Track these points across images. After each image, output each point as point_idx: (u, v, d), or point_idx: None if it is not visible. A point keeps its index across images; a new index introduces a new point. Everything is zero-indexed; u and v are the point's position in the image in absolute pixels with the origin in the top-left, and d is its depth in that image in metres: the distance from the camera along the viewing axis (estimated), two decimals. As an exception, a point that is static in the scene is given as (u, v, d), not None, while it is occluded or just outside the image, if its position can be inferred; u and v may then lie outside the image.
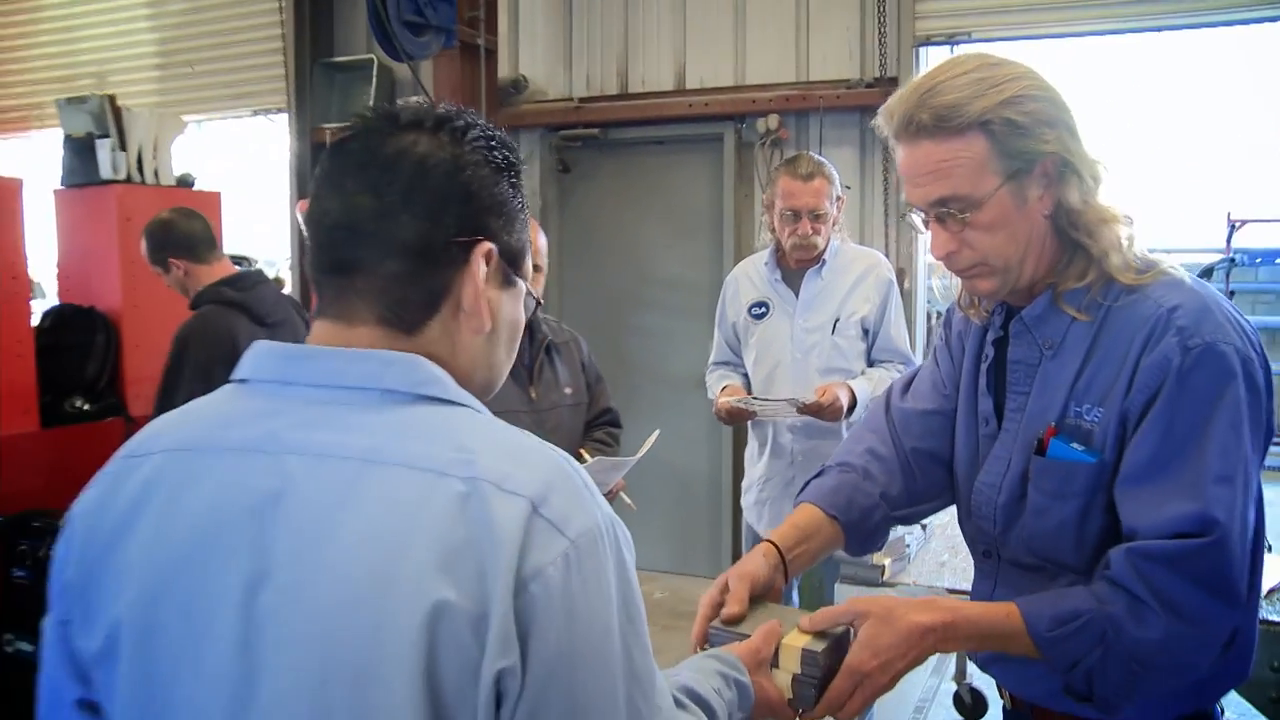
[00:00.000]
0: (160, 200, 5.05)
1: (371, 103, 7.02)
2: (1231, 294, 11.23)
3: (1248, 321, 1.49)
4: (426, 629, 0.91)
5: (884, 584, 2.50)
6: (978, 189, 1.50)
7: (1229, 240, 11.42)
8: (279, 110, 7.50)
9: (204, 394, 1.14)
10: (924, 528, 2.86)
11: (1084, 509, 1.54)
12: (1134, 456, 1.47)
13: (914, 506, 1.86)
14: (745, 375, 3.68)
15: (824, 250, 3.51)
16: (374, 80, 7.02)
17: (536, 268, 2.88)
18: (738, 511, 3.86)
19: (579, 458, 3.05)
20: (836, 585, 2.60)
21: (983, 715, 4.19)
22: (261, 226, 8.13)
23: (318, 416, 1.03)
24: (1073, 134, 1.51)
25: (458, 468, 0.97)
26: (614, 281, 6.67)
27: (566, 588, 0.95)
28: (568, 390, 3.05)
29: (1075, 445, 1.53)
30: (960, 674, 4.55)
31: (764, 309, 3.58)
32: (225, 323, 3.69)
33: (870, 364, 3.57)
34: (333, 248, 1.11)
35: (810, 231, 3.44)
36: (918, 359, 5.73)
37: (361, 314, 1.08)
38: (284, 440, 1.01)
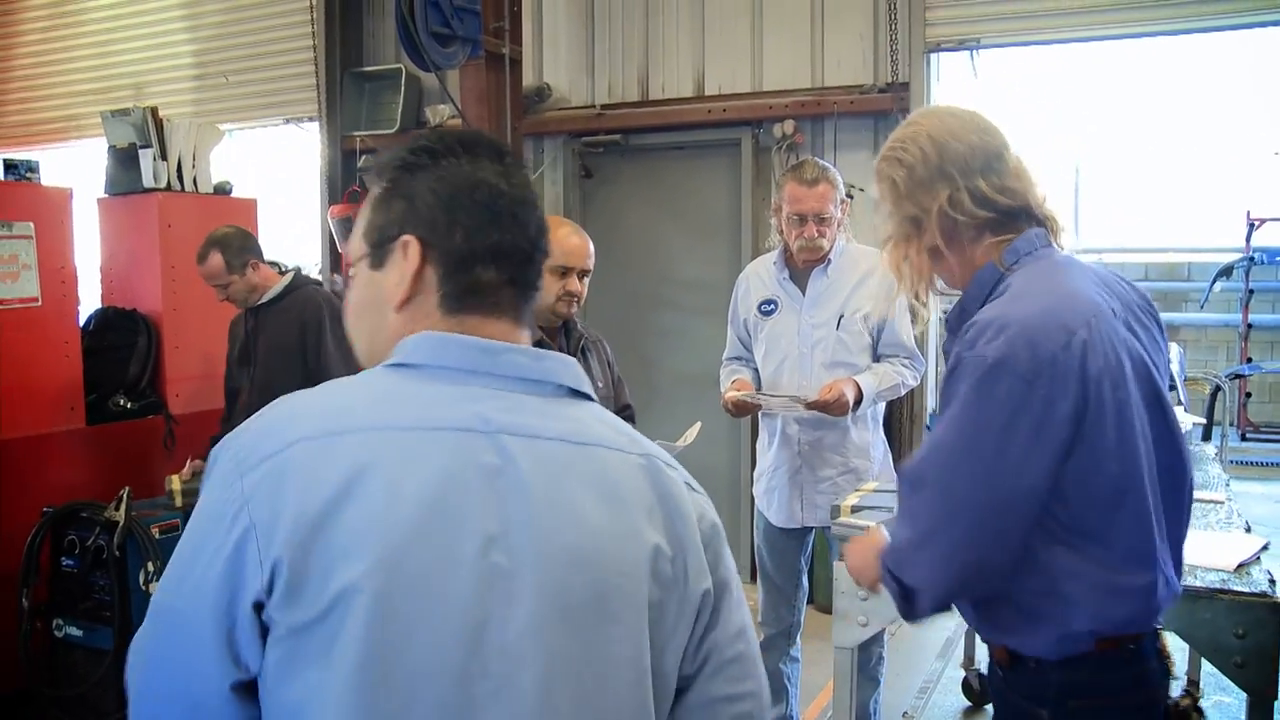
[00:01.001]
0: (199, 207, 5.27)
1: (400, 111, 7.21)
2: (1251, 293, 11.29)
3: (1058, 338, 1.73)
4: (650, 566, 1.19)
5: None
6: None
7: (1248, 239, 11.45)
8: (310, 119, 7.71)
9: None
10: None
11: None
12: None
13: None
14: (756, 370, 3.84)
15: (830, 251, 3.67)
16: (402, 89, 7.21)
17: (586, 272, 3.08)
18: (754, 506, 4.01)
19: None
20: (836, 563, 2.76)
21: (990, 701, 4.31)
22: (292, 232, 8.32)
23: (514, 403, 1.20)
24: (897, 187, 1.97)
25: (632, 447, 1.26)
26: (635, 282, 6.84)
27: (721, 532, 1.30)
28: (599, 385, 3.22)
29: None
30: (969, 660, 4.70)
31: (773, 306, 3.74)
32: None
33: (876, 358, 3.72)
34: (527, 266, 1.30)
35: (816, 234, 3.59)
36: (930, 355, 5.88)
37: (527, 319, 1.31)
38: (495, 422, 1.17)
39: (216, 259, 4.16)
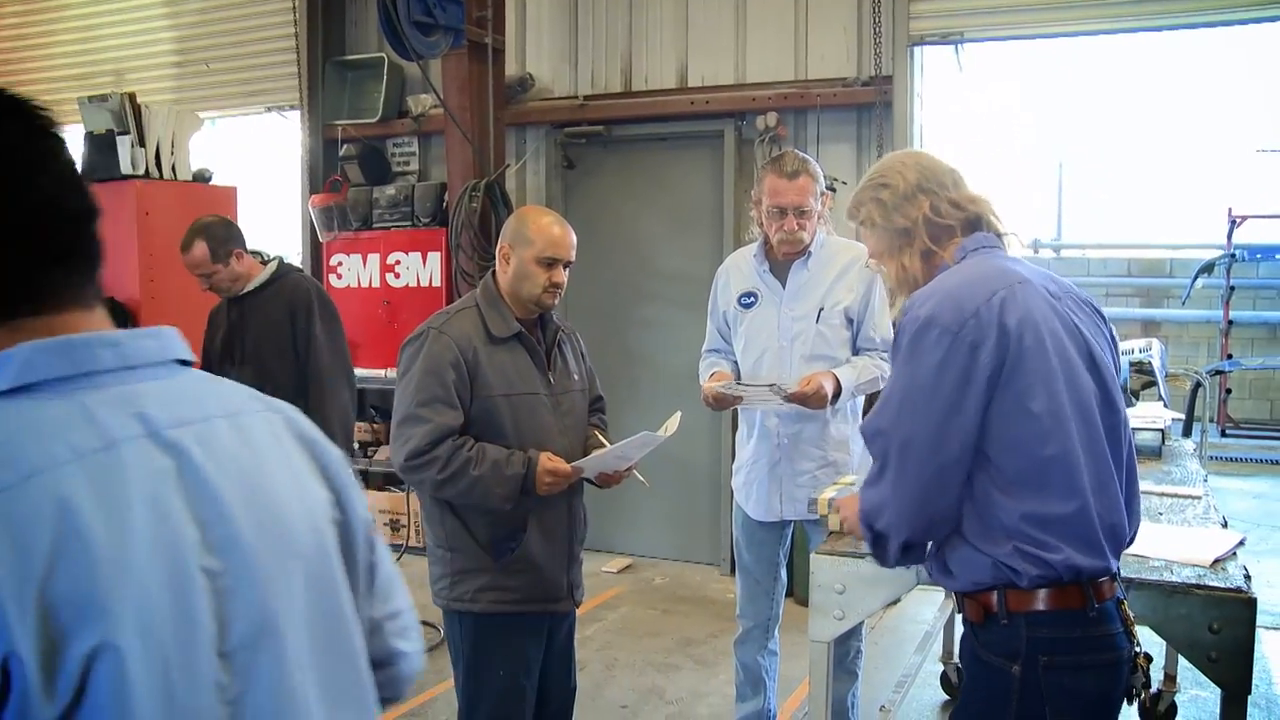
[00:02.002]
0: (178, 195, 5.23)
1: (382, 100, 7.19)
2: (1232, 289, 11.36)
3: (973, 287, 2.05)
4: (329, 516, 1.21)
5: (854, 554, 2.66)
6: (870, 247, 2.38)
7: (1230, 236, 11.52)
8: (292, 107, 7.67)
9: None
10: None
11: None
12: None
13: None
14: (735, 363, 3.83)
15: (810, 243, 3.65)
16: (384, 78, 7.18)
17: (567, 263, 3.06)
18: (734, 498, 4.02)
19: (595, 439, 3.22)
20: (813, 556, 2.75)
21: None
22: (273, 220, 8.30)
23: (157, 392, 1.09)
24: (884, 204, 2.25)
25: (265, 405, 1.22)
26: (617, 275, 6.83)
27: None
28: (575, 377, 3.21)
29: None
30: (947, 654, 4.71)
31: (753, 298, 3.73)
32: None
33: (856, 352, 3.71)
34: (90, 239, 1.11)
35: (796, 227, 3.56)
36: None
37: (97, 297, 1.13)
38: (155, 419, 1.06)
39: (201, 248, 4.14)
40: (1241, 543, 2.63)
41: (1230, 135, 13.30)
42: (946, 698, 4.62)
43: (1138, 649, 2.08)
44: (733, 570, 4.24)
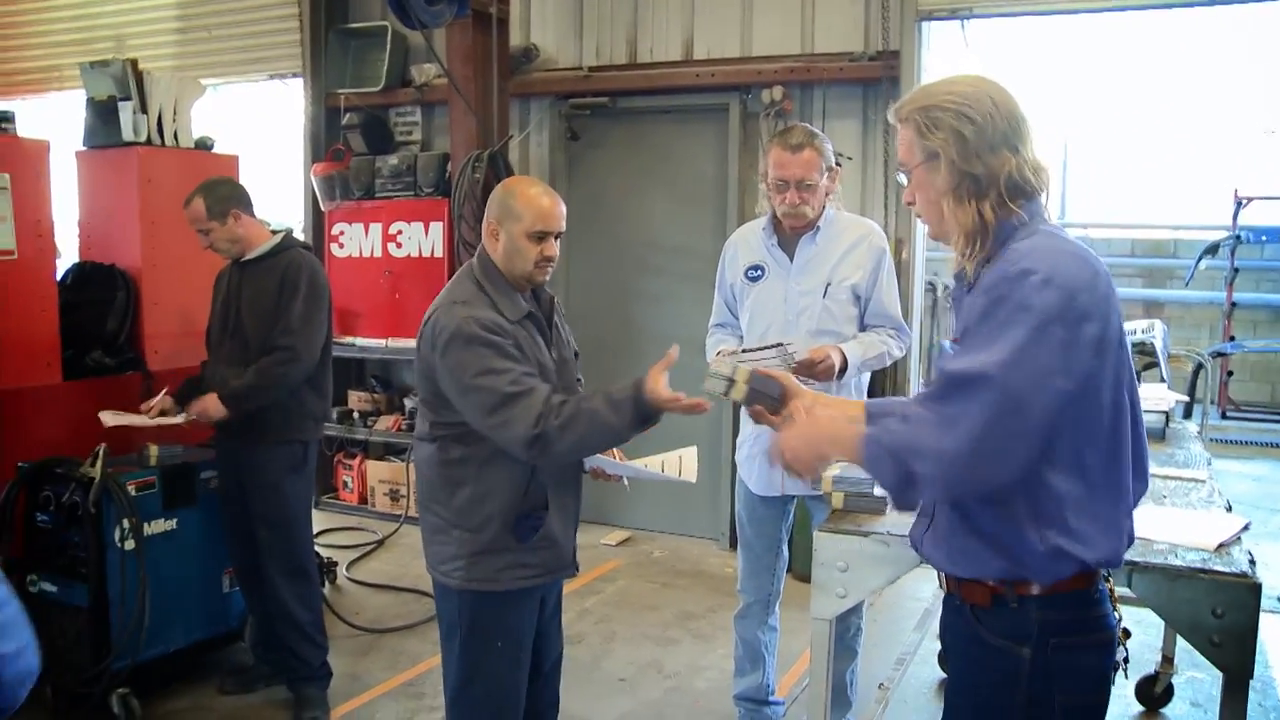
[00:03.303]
0: (180, 162, 5.19)
1: (385, 69, 7.14)
2: (1236, 271, 11.32)
3: (1080, 260, 1.93)
4: None
5: (857, 532, 2.65)
6: (909, 161, 2.08)
7: (1235, 217, 11.47)
8: (294, 75, 7.63)
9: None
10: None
11: None
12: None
13: None
14: (742, 338, 3.81)
15: (817, 218, 3.63)
16: (388, 47, 7.13)
17: (558, 235, 2.96)
18: (736, 473, 4.01)
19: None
20: (815, 533, 2.74)
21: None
22: (276, 189, 8.26)
23: None
24: (965, 142, 1.98)
25: None
26: (621, 247, 6.80)
27: None
28: (578, 351, 3.17)
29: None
30: (946, 631, 4.71)
31: (759, 272, 3.71)
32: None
33: (863, 328, 3.69)
34: None
35: (798, 201, 3.54)
36: (915, 326, 5.86)
37: None
38: None
39: (198, 203, 4.17)
40: (1246, 527, 2.62)
41: (1237, 116, 13.23)
42: (944, 675, 4.62)
43: (1120, 619, 2.13)
44: (732, 545, 4.25)
